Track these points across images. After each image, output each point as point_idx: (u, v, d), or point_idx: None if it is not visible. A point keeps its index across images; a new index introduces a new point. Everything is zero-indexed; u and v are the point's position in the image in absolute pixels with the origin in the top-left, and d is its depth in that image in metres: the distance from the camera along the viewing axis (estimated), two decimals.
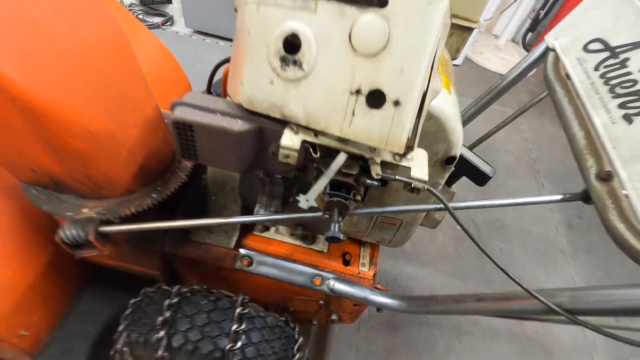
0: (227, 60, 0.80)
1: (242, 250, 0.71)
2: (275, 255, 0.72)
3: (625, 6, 0.55)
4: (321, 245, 0.74)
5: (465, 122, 0.79)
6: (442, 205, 0.47)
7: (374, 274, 0.73)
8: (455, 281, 1.23)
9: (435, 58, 0.35)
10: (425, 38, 0.33)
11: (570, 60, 0.60)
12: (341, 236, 0.40)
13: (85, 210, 0.55)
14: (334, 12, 0.35)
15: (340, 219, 0.40)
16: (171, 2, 2.05)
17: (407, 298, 0.67)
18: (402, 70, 0.34)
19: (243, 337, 0.62)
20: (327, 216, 0.42)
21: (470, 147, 0.73)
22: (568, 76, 0.60)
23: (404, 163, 0.40)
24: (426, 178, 0.39)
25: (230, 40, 2.01)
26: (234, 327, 0.62)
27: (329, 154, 0.41)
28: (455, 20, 0.58)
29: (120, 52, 0.54)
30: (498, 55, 2.46)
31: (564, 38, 0.64)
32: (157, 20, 2.00)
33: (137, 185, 0.59)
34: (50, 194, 0.56)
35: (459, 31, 0.59)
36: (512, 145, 1.88)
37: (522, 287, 0.45)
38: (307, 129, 0.40)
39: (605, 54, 0.55)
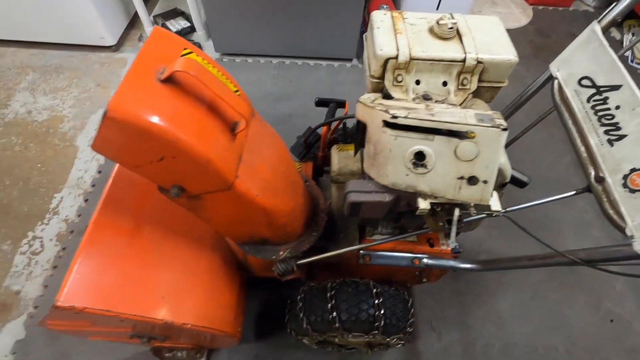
0: (321, 125, 1.11)
1: (362, 252, 1.06)
2: (384, 249, 1.07)
3: (603, 55, 0.81)
4: (412, 238, 1.09)
5: None
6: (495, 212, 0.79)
7: (451, 249, 1.08)
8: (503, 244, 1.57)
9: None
10: (498, 148, 0.64)
11: (570, 91, 0.88)
12: (461, 250, 0.73)
13: (281, 252, 0.90)
14: (444, 141, 0.65)
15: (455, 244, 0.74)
16: (195, 31, 2.25)
17: (477, 261, 1.01)
18: (487, 167, 0.65)
19: (381, 305, 0.99)
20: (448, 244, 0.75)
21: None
22: (569, 103, 0.88)
23: (496, 208, 0.72)
24: (501, 209, 0.72)
25: (258, 55, 2.23)
26: (375, 300, 0.98)
27: (442, 206, 0.73)
28: (489, 84, 0.86)
29: (283, 151, 0.85)
30: (495, 10, 2.62)
31: (563, 71, 0.91)
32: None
33: (304, 230, 0.92)
34: (256, 246, 0.90)
35: (493, 89, 0.87)
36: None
37: (559, 252, 0.79)
38: (431, 196, 0.72)
39: (593, 90, 0.82)
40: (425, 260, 1.05)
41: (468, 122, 0.64)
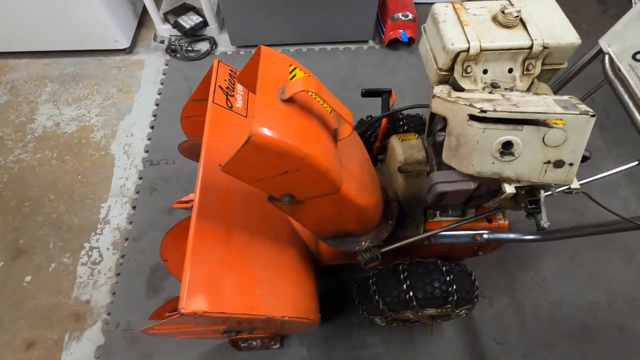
0: (383, 117, 1.14)
1: (427, 233, 1.13)
2: (446, 229, 1.13)
3: None
4: (469, 215, 1.15)
5: None
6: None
7: (508, 223, 1.15)
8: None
9: None
10: (586, 134, 0.69)
11: (624, 66, 0.92)
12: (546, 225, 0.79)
13: (363, 243, 0.96)
14: (533, 130, 0.70)
15: (541, 218, 0.80)
16: (207, 25, 2.22)
17: (539, 232, 1.09)
18: (573, 151, 0.70)
19: (452, 282, 1.07)
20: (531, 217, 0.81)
21: None
22: (624, 77, 0.93)
23: (575, 186, 0.78)
24: (579, 187, 0.78)
25: (274, 45, 2.21)
26: (446, 277, 1.06)
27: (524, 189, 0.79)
28: (550, 66, 0.90)
29: (362, 147, 0.90)
30: None
31: (616, 46, 0.95)
32: (205, 46, 2.21)
33: (380, 220, 0.98)
34: (339, 240, 0.97)
35: (552, 71, 0.91)
36: None
37: (627, 219, 0.85)
38: (515, 180, 0.78)
39: None
40: (486, 236, 1.12)
41: (556, 111, 0.69)
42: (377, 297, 1.10)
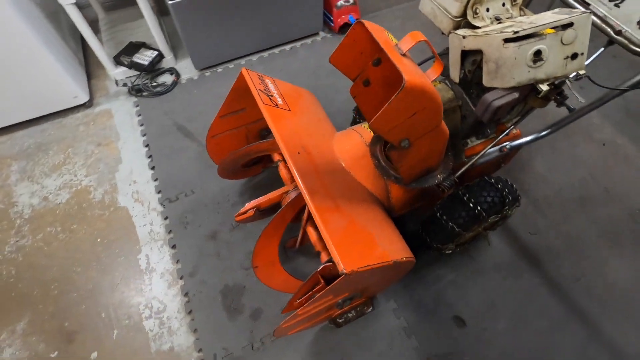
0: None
1: (497, 146, 1.32)
2: (490, 146, 1.34)
3: None
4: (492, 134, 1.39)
5: None
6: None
7: (519, 131, 1.42)
8: None
9: None
10: (588, 28, 0.94)
11: None
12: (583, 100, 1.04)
13: (439, 176, 1.13)
14: (553, 35, 0.93)
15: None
16: (164, 56, 2.20)
17: (545, 127, 1.36)
18: (582, 42, 0.95)
19: (502, 189, 1.29)
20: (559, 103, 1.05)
21: None
22: None
23: (582, 71, 1.03)
24: (585, 71, 1.03)
25: (236, 59, 2.28)
26: (498, 185, 1.28)
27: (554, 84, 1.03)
28: None
29: None
30: None
31: None
32: (169, 78, 2.18)
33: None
34: (422, 179, 1.13)
35: None
36: None
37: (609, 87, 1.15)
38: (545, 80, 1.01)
39: None
40: (509, 146, 1.37)
41: (562, 18, 0.93)
42: (450, 224, 1.28)
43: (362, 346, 1.40)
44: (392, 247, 1.07)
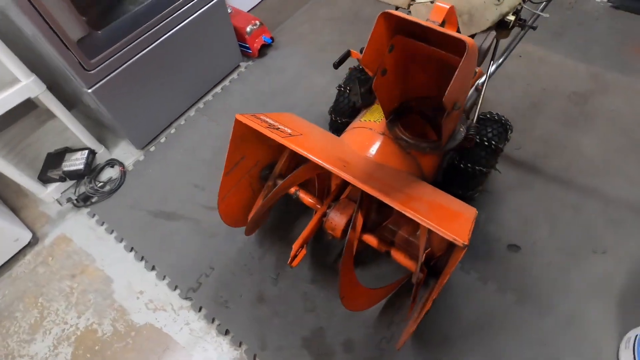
0: None
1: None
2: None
3: None
4: None
5: None
6: None
7: (481, 70, 1.57)
8: None
9: None
10: None
11: None
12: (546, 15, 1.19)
13: (461, 129, 1.20)
14: None
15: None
16: (96, 152, 1.94)
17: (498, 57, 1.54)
18: None
19: (504, 121, 1.42)
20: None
21: None
22: None
23: None
24: None
25: (175, 121, 2.11)
26: (501, 120, 1.41)
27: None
28: None
29: None
30: None
31: None
32: (113, 171, 1.93)
33: None
34: (451, 138, 1.18)
35: None
36: None
37: None
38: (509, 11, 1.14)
39: None
40: (480, 82, 1.52)
41: None
42: (477, 168, 1.38)
43: (451, 311, 1.42)
44: (462, 207, 1.11)
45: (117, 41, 1.60)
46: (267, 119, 1.21)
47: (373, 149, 1.26)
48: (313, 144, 1.15)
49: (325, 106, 2.09)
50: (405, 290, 1.46)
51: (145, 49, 1.73)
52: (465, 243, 0.87)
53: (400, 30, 0.86)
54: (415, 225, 1.40)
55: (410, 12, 1.22)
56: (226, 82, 2.29)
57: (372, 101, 1.45)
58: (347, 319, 1.44)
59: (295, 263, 1.28)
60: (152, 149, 2.03)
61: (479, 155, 1.37)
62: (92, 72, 1.56)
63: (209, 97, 2.23)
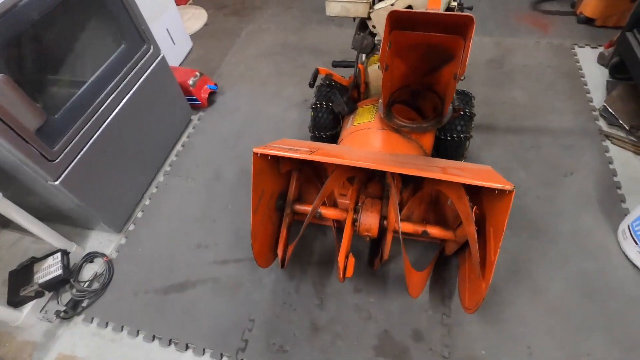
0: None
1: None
2: None
3: None
4: None
5: None
6: None
7: None
8: None
9: None
10: None
11: None
12: None
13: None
14: None
15: None
16: (69, 251, 1.70)
17: None
18: None
19: (467, 93, 1.63)
20: None
21: None
22: None
23: None
24: None
25: (142, 196, 1.96)
26: (465, 93, 1.62)
27: None
28: None
29: None
30: None
31: None
32: (97, 265, 1.71)
33: None
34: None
35: None
36: None
37: None
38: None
39: None
40: None
41: None
42: (461, 135, 1.55)
43: None
44: (480, 167, 1.25)
45: (74, 122, 1.47)
46: (282, 145, 1.23)
47: (381, 144, 1.35)
48: (335, 153, 1.19)
49: (292, 131, 2.16)
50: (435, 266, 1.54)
51: (102, 125, 1.62)
52: (513, 187, 0.99)
53: (395, 26, 0.98)
54: (427, 202, 1.50)
55: (371, 18, 1.37)
56: (184, 138, 2.21)
57: (355, 106, 1.55)
58: (404, 313, 1.46)
59: (349, 273, 1.28)
60: (131, 227, 1.86)
61: (459, 124, 1.55)
62: (55, 161, 1.40)
63: (172, 157, 2.13)
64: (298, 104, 2.32)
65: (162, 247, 1.76)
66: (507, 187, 0.98)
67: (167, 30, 2.50)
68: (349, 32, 2.81)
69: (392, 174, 1.26)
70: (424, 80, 1.36)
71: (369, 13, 1.36)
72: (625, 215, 1.62)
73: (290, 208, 1.47)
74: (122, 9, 1.62)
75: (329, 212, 1.44)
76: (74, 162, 1.49)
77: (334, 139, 1.77)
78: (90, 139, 1.56)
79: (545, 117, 2.07)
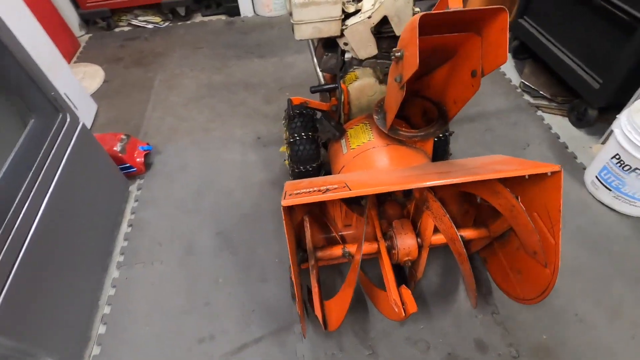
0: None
1: None
2: None
3: None
4: None
5: None
6: None
7: None
8: None
9: None
10: None
11: None
12: None
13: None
14: None
15: None
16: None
17: None
18: None
19: None
20: None
21: None
22: None
23: None
24: None
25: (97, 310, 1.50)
26: None
27: None
28: None
29: None
30: None
31: None
32: None
33: None
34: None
35: None
36: None
37: None
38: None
39: None
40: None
41: None
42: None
43: None
44: (501, 157, 1.26)
45: None
46: (306, 189, 1.04)
47: (392, 159, 1.27)
48: (366, 182, 1.07)
49: (263, 173, 1.95)
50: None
51: (30, 228, 1.18)
52: (560, 167, 0.99)
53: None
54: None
55: (343, 35, 1.29)
56: (129, 217, 1.80)
57: (344, 130, 1.45)
58: (458, 327, 1.38)
59: (413, 307, 1.14)
60: (96, 351, 1.39)
61: None
62: None
63: (120, 243, 1.70)
64: (252, 144, 2.11)
65: (153, 355, 1.35)
66: (555, 168, 0.98)
67: (65, 94, 2.04)
68: (274, 60, 2.74)
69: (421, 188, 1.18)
70: (413, 87, 1.33)
71: (342, 30, 1.28)
72: (584, 169, 1.83)
73: (315, 257, 1.26)
74: (23, 75, 1.24)
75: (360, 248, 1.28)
76: (4, 290, 1.04)
77: (318, 171, 1.63)
78: (20, 252, 1.12)
79: (484, 102, 2.27)
